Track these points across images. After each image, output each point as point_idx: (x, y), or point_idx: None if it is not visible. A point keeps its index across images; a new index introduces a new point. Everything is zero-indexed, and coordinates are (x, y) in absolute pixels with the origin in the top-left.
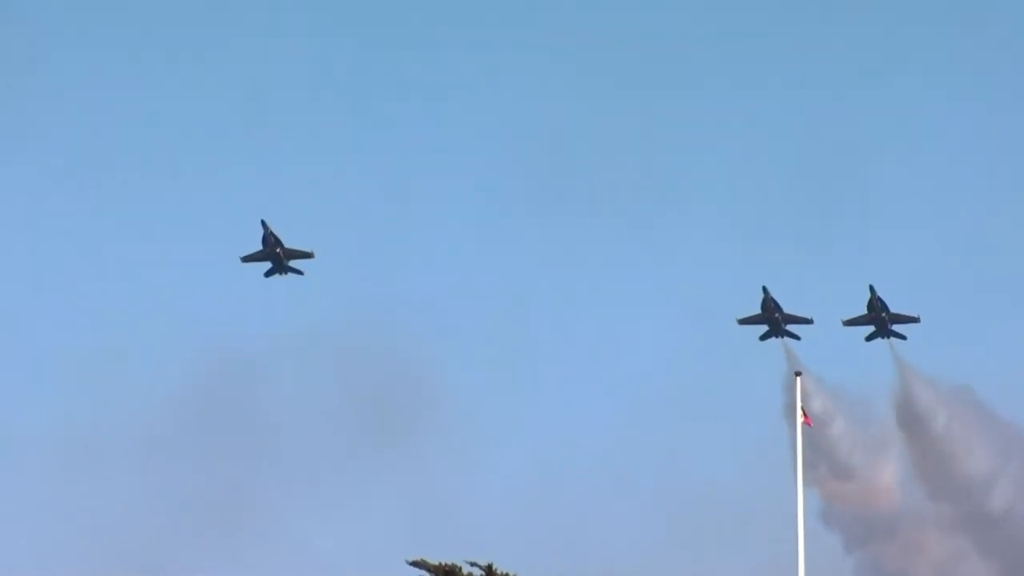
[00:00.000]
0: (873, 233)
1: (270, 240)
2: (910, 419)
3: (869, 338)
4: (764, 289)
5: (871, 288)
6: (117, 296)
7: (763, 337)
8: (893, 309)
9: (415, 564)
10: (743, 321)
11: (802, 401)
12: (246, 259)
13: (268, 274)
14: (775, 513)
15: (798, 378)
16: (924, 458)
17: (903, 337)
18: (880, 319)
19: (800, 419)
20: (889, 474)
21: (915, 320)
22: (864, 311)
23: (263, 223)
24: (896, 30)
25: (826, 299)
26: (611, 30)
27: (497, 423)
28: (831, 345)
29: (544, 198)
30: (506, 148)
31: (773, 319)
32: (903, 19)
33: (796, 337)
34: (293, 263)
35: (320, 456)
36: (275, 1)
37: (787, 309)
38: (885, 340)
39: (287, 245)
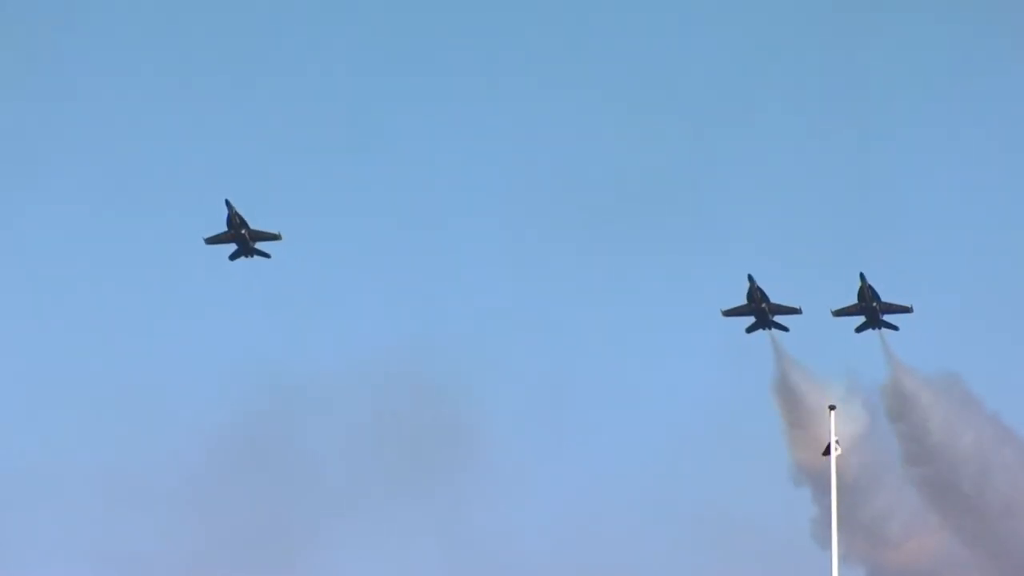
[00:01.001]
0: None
1: (234, 221)
2: (903, 421)
3: (859, 329)
4: (750, 278)
5: (861, 276)
6: (158, 328)
7: (749, 330)
8: (884, 298)
9: None
10: (728, 313)
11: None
12: (209, 240)
13: (233, 257)
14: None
15: (832, 412)
16: (924, 468)
17: (895, 328)
18: (871, 309)
19: (835, 454)
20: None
21: (908, 310)
22: (854, 300)
23: (227, 203)
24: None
25: (815, 287)
26: (653, 65)
27: (535, 458)
28: (819, 336)
29: (582, 231)
30: (544, 179)
31: (760, 310)
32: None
33: (784, 329)
34: (260, 245)
35: (360, 491)
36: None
37: (774, 299)
38: (876, 331)
39: (253, 226)
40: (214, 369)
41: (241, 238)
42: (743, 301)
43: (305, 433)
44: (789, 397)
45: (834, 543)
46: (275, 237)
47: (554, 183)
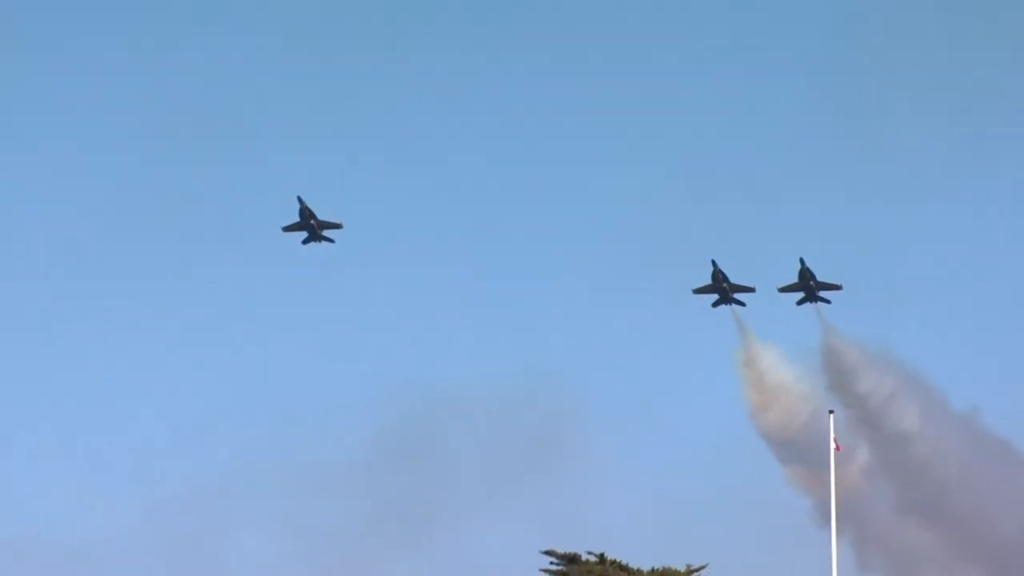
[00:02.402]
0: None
1: (305, 213)
2: (837, 376)
3: (800, 303)
4: (713, 263)
5: (801, 260)
6: (330, 348)
7: (715, 304)
8: (820, 278)
9: (547, 553)
10: (697, 291)
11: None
12: (286, 229)
13: (305, 242)
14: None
15: (831, 415)
16: (855, 413)
17: (828, 302)
18: (809, 286)
19: (833, 448)
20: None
21: (838, 287)
22: (796, 280)
23: (299, 199)
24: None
25: (765, 269)
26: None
27: (616, 457)
28: (769, 309)
29: (638, 281)
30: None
31: (722, 288)
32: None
33: (742, 304)
34: (326, 233)
35: (484, 481)
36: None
37: (733, 279)
38: (813, 304)
39: (320, 218)
40: (378, 382)
41: (311, 227)
42: (709, 282)
43: (446, 435)
44: (751, 366)
45: (833, 527)
46: (338, 226)
47: (615, 241)
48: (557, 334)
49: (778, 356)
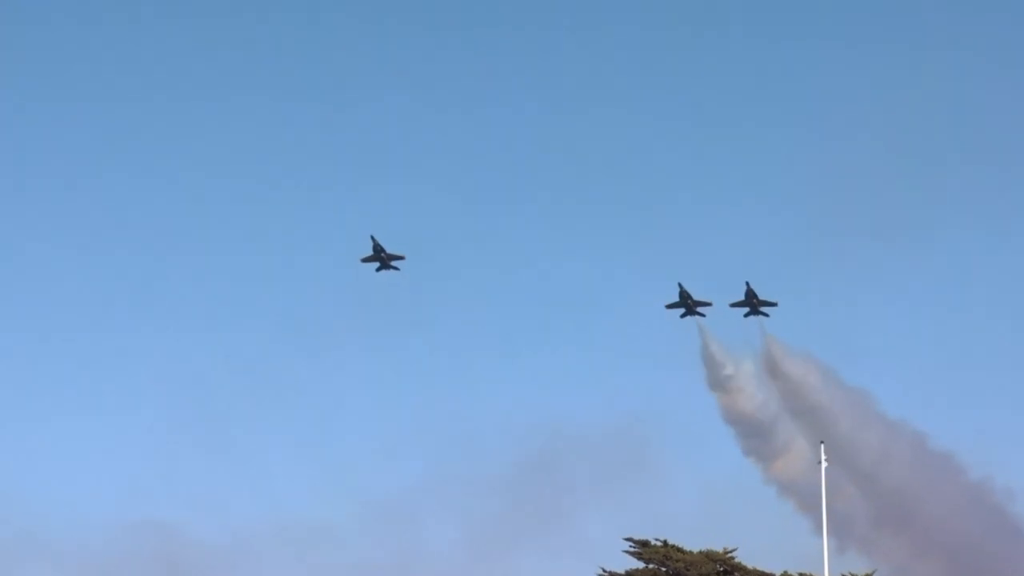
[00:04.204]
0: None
1: (377, 248)
2: (773, 369)
3: (746, 315)
4: (679, 285)
5: (747, 283)
6: (483, 393)
7: (682, 316)
8: (761, 296)
9: (627, 539)
10: (669, 306)
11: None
12: (364, 260)
13: (378, 269)
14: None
15: (822, 445)
16: (786, 396)
17: (767, 315)
18: (752, 303)
19: (824, 465)
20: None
21: (775, 304)
22: (743, 297)
23: (372, 237)
24: None
25: (718, 289)
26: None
27: (680, 468)
28: (723, 320)
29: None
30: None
31: (687, 304)
32: None
33: (702, 315)
34: (393, 263)
35: (592, 486)
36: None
37: (696, 297)
38: (756, 317)
39: (388, 251)
40: (519, 420)
41: (382, 259)
42: (676, 299)
43: (565, 456)
44: (711, 361)
45: (824, 519)
46: (401, 257)
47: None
48: (636, 387)
49: (729, 352)
